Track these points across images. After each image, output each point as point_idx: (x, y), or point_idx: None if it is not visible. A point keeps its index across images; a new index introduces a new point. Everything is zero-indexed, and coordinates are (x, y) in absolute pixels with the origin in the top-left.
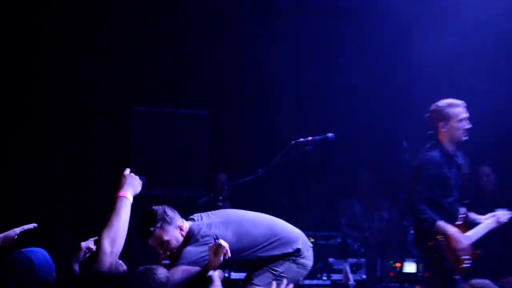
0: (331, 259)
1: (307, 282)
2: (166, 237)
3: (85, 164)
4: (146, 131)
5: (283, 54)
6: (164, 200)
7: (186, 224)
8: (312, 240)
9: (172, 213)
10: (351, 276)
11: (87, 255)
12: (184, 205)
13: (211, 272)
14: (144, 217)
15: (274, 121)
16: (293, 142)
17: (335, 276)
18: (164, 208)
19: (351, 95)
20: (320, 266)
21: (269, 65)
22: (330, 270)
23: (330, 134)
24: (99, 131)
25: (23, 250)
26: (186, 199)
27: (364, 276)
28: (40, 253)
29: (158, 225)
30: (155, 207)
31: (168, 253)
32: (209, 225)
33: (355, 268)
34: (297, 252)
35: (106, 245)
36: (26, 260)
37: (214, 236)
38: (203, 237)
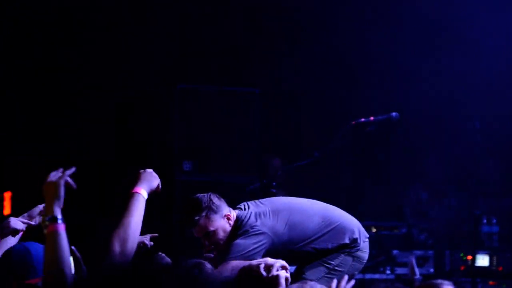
0: (395, 251)
1: (369, 276)
2: (211, 227)
3: (126, 149)
4: (192, 112)
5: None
6: (211, 187)
7: (234, 213)
8: (374, 230)
9: (218, 201)
10: (417, 270)
11: (142, 250)
12: (232, 193)
13: (276, 271)
14: (188, 206)
15: (332, 100)
16: (353, 122)
17: (400, 270)
18: (210, 195)
19: (414, 71)
20: (384, 259)
21: (325, 41)
22: (394, 263)
23: (394, 113)
24: (140, 112)
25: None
26: (235, 186)
27: (432, 270)
28: (40, 246)
29: (203, 214)
30: (199, 195)
31: (213, 246)
32: (258, 214)
33: (421, 261)
34: (354, 243)
35: (116, 245)
36: (23, 250)
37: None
38: (252, 227)
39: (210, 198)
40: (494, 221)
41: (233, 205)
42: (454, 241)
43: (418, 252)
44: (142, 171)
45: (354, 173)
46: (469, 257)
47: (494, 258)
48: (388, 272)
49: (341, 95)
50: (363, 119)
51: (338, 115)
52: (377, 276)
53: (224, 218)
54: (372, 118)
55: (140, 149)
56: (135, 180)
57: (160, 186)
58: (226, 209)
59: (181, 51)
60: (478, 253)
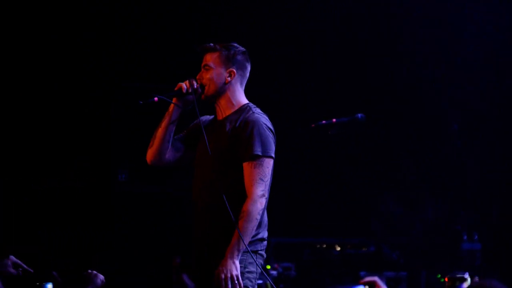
0: (362, 273)
1: None
2: (212, 63)
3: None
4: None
5: None
6: (150, 199)
7: (242, 96)
8: (339, 248)
9: (244, 60)
10: None
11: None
12: (175, 205)
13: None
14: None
15: (289, 99)
16: (312, 125)
17: None
18: (243, 52)
19: (385, 66)
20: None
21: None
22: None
23: (359, 115)
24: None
25: None
26: (179, 197)
27: None
28: None
29: (222, 49)
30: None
31: (201, 83)
32: None
33: (393, 284)
34: None
35: None
36: None
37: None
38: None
39: (241, 51)
40: (476, 237)
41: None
42: (431, 260)
43: (389, 273)
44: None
45: (314, 182)
46: (447, 279)
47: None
48: None
49: (303, 95)
50: (324, 121)
51: (297, 117)
52: None
53: (227, 72)
54: (334, 120)
55: (75, 161)
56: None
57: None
58: (240, 73)
59: (121, 49)
60: (459, 273)
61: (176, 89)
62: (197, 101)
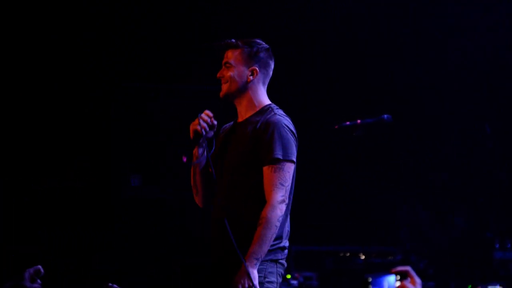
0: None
1: None
2: (233, 61)
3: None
4: (137, 114)
5: None
6: (163, 205)
7: (265, 97)
8: (363, 257)
9: (268, 59)
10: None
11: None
12: (190, 210)
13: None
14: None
15: (311, 101)
16: (336, 126)
17: None
18: (267, 48)
19: (412, 67)
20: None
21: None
22: None
23: (386, 116)
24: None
25: None
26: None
27: None
28: None
29: (244, 46)
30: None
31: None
32: None
33: None
34: None
35: None
36: None
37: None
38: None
39: (265, 49)
40: (509, 245)
41: None
42: (461, 270)
43: None
44: None
45: (338, 187)
46: None
47: None
48: None
49: (326, 96)
50: (348, 122)
51: (319, 118)
52: None
53: (249, 70)
54: (359, 121)
55: (75, 161)
56: None
57: None
58: (263, 71)
59: (125, 48)
60: (490, 284)
61: (192, 137)
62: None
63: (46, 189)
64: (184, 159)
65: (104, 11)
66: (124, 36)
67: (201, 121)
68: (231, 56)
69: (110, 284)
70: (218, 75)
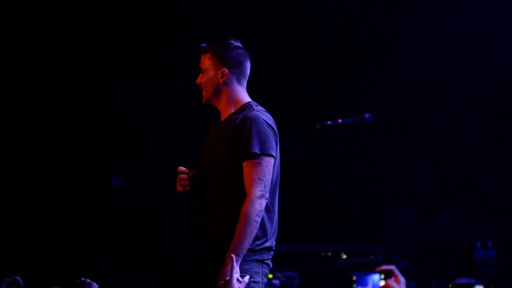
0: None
1: None
2: (203, 66)
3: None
4: (125, 114)
5: None
6: (147, 206)
7: (243, 94)
8: (345, 256)
9: (238, 60)
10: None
11: None
12: (174, 211)
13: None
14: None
15: (298, 100)
16: (317, 125)
17: None
18: (239, 51)
19: (394, 67)
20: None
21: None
22: None
23: (367, 115)
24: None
25: None
26: (177, 203)
27: None
28: None
29: (212, 50)
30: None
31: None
32: None
33: None
34: None
35: None
36: None
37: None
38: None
39: (233, 47)
40: (490, 244)
41: None
42: (442, 269)
43: None
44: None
45: (321, 186)
46: (452, 286)
47: None
48: None
49: (303, 96)
50: (329, 122)
51: (300, 118)
52: None
53: (219, 73)
54: (340, 120)
55: (74, 161)
56: None
57: None
58: (234, 70)
59: (113, 46)
60: (473, 284)
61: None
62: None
63: (46, 189)
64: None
65: (104, 11)
66: (122, 36)
67: (178, 182)
68: (203, 61)
69: (83, 279)
70: (196, 82)
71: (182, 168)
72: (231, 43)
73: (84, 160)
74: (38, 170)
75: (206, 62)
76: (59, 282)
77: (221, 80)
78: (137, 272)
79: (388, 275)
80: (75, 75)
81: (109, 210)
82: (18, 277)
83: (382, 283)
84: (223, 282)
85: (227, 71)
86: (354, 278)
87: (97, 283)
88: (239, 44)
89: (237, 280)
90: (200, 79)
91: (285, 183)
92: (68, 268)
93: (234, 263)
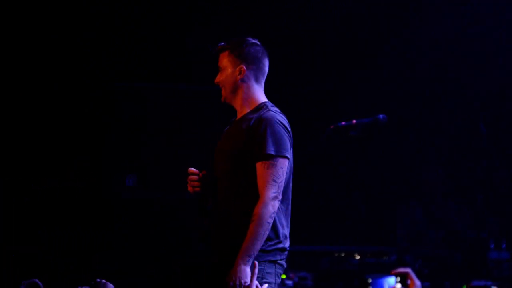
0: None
1: None
2: (221, 64)
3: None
4: (134, 115)
5: None
6: (159, 206)
7: (261, 93)
8: (358, 257)
9: (256, 56)
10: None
11: None
12: (188, 211)
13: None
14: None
15: (309, 99)
16: (332, 126)
17: None
18: (259, 49)
19: (406, 68)
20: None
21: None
22: None
23: (381, 116)
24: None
25: None
26: (191, 203)
27: None
28: None
29: (230, 49)
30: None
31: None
32: None
33: None
34: None
35: None
36: None
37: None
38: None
39: (251, 44)
40: (504, 245)
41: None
42: (456, 270)
43: None
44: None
45: (333, 187)
46: None
47: None
48: None
49: (323, 94)
50: (343, 122)
51: (316, 116)
52: None
53: (237, 70)
54: (354, 121)
55: (74, 161)
56: None
57: None
58: (252, 67)
59: (113, 46)
60: (486, 284)
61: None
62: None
63: (46, 189)
64: None
65: (104, 11)
66: (122, 36)
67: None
68: (221, 59)
69: (98, 280)
70: (215, 81)
71: (192, 169)
72: (249, 40)
73: (84, 160)
74: (38, 170)
75: (224, 60)
76: (73, 283)
77: (238, 77)
78: (137, 272)
79: (404, 278)
80: (76, 75)
81: (109, 210)
82: (37, 280)
83: (399, 286)
84: (235, 283)
85: (244, 67)
86: (370, 280)
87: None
88: (257, 42)
89: (256, 287)
90: (219, 78)
91: (300, 183)
92: (68, 268)
93: (256, 270)
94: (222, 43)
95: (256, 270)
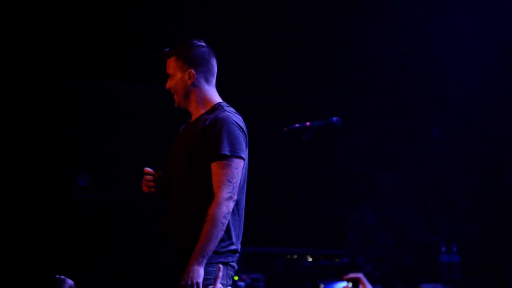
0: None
1: None
2: (169, 70)
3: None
4: (90, 114)
5: None
6: (113, 206)
7: (214, 93)
8: (311, 259)
9: (202, 58)
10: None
11: None
12: (142, 212)
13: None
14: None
15: (268, 101)
16: (285, 129)
17: None
18: (206, 52)
19: (361, 71)
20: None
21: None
22: None
23: (335, 118)
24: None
25: None
26: (144, 204)
27: None
28: None
29: (176, 54)
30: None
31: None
32: None
33: None
34: None
35: None
36: None
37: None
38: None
39: (196, 46)
40: (455, 249)
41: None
42: (407, 273)
43: None
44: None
45: (286, 189)
46: None
47: None
48: None
49: (282, 96)
50: (297, 125)
51: (272, 117)
52: None
53: (186, 74)
54: (308, 123)
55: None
56: None
57: None
58: (201, 69)
59: (77, 44)
60: (425, 285)
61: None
62: None
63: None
64: None
65: (74, 11)
66: (89, 35)
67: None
68: (169, 65)
69: (57, 276)
70: (166, 87)
71: (148, 169)
72: (194, 43)
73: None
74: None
75: (172, 66)
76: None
77: (189, 82)
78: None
79: (355, 283)
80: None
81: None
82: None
83: None
84: (187, 283)
85: (193, 71)
86: (322, 286)
87: (97, 283)
88: (203, 43)
89: None
90: (169, 84)
91: (252, 185)
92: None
93: (220, 273)
94: (167, 49)
95: (221, 274)
